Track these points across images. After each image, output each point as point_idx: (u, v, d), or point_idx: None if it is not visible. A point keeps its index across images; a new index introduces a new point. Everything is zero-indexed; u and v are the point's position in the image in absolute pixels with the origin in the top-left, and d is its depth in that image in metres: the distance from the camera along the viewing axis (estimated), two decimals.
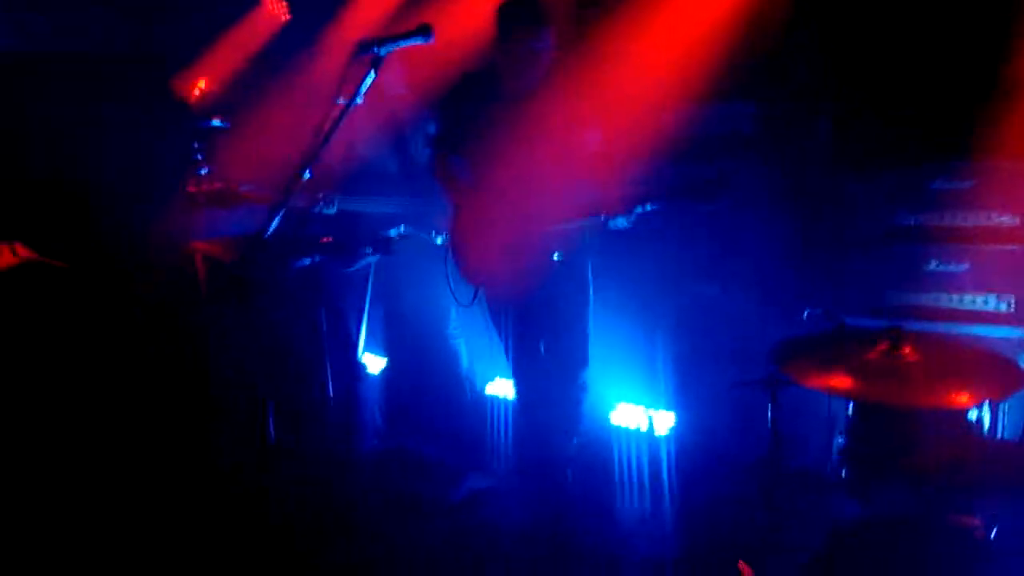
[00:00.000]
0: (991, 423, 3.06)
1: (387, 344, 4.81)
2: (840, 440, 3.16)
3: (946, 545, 2.53)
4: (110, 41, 4.76)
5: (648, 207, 3.48)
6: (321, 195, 3.93)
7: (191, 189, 3.71)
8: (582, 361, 3.82)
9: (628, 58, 3.76)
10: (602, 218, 3.52)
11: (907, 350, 2.85)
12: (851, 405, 3.10)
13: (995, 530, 2.53)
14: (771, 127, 4.06)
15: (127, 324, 3.85)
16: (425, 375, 4.60)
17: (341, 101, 2.74)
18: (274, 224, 2.69)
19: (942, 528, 2.59)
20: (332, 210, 3.96)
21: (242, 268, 2.69)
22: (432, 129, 3.87)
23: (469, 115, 3.66)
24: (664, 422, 4.13)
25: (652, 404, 4.18)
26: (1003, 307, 3.64)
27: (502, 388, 4.53)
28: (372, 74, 2.73)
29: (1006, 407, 3.26)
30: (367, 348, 4.79)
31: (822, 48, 3.87)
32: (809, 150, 3.96)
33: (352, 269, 4.06)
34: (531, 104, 3.52)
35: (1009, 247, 3.60)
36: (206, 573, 3.21)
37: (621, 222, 3.52)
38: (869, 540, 2.74)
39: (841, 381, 2.81)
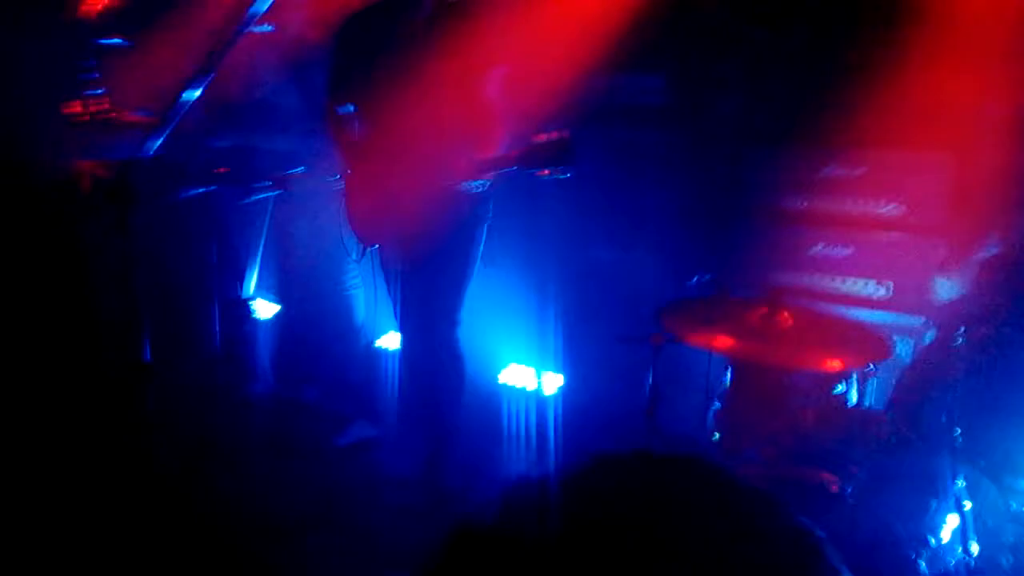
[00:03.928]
0: (859, 398, 3.22)
1: (281, 290, 4.71)
2: (717, 405, 3.27)
3: (802, 499, 2.64)
4: None
5: (499, 172, 3.34)
6: (215, 125, 3.79)
7: (75, 110, 3.51)
8: (453, 317, 3.63)
9: (539, 12, 3.71)
10: (460, 184, 3.36)
11: (784, 315, 2.96)
12: (728, 372, 3.22)
13: (850, 487, 2.64)
14: (678, 99, 4.13)
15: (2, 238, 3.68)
16: (319, 324, 4.52)
17: (257, 29, 2.65)
18: (157, 143, 2.61)
19: (799, 484, 2.70)
20: (226, 143, 3.83)
21: (123, 183, 2.61)
22: (324, 76, 3.64)
23: (359, 59, 3.47)
24: (553, 382, 4.17)
25: (542, 365, 4.22)
26: (881, 292, 3.81)
27: (395, 340, 4.49)
28: None
29: (874, 384, 3.40)
30: (260, 294, 4.70)
31: (732, 26, 3.95)
32: (713, 125, 4.05)
33: (247, 201, 3.96)
34: (427, 47, 3.31)
35: (892, 235, 3.76)
36: (76, 493, 3.11)
37: (475, 186, 3.40)
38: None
39: (721, 340, 2.91)
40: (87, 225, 3.44)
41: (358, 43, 3.48)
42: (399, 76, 3.30)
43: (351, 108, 3.50)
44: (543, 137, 3.16)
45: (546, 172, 3.19)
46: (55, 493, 3.16)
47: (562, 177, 3.19)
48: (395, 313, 3.78)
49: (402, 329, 3.80)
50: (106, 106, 3.55)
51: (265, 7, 2.64)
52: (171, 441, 3.51)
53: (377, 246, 3.71)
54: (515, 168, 3.25)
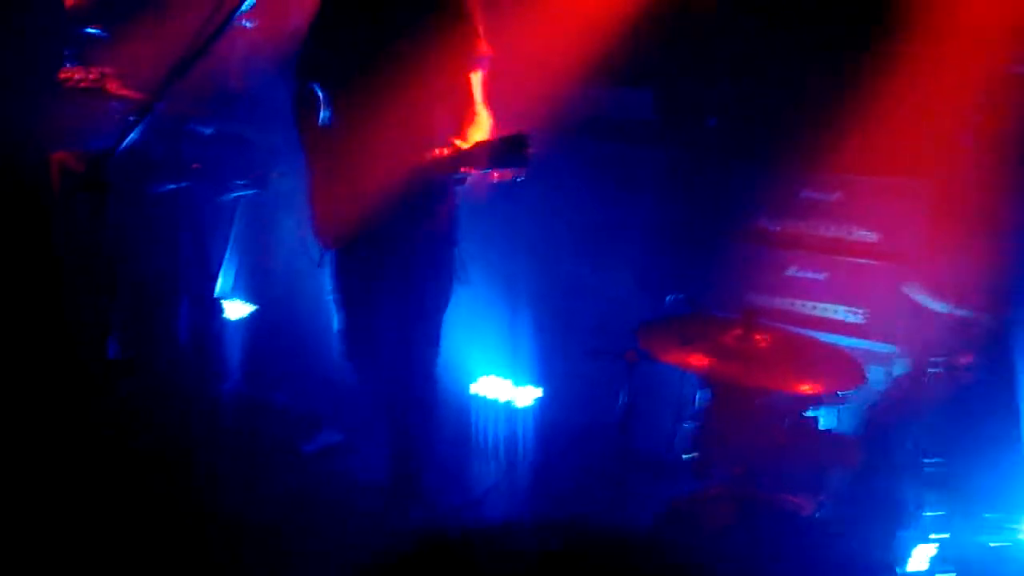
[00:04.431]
0: (831, 423, 3.23)
1: (258, 290, 4.64)
2: (688, 425, 3.27)
3: (772, 521, 2.64)
4: None
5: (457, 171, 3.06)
6: (198, 111, 3.70)
7: (61, 76, 3.43)
8: (432, 340, 3.46)
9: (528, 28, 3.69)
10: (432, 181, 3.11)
11: (759, 337, 2.97)
12: (702, 391, 3.22)
13: (820, 510, 2.65)
14: (661, 117, 4.15)
15: None
16: (294, 326, 4.47)
17: (246, 23, 2.62)
18: (133, 134, 2.57)
19: (769, 506, 2.70)
20: (209, 130, 3.74)
21: (96, 175, 2.56)
22: (299, 54, 3.35)
23: (335, 37, 3.21)
24: (525, 395, 4.16)
25: (514, 378, 4.20)
26: (853, 319, 3.82)
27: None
28: None
29: (846, 408, 3.41)
30: (235, 294, 4.63)
31: (715, 46, 3.98)
32: (694, 144, 4.07)
33: (221, 199, 3.89)
34: (411, 30, 3.09)
35: (866, 261, 3.78)
36: (40, 489, 3.04)
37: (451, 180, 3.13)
38: (700, 515, 2.83)
39: (695, 359, 2.91)
40: (60, 216, 3.37)
41: (336, 20, 3.25)
42: (379, 58, 3.09)
43: (321, 90, 3.24)
44: (496, 135, 2.92)
45: (495, 175, 2.93)
46: (20, 489, 3.08)
47: (516, 180, 2.92)
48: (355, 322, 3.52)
49: (366, 346, 3.53)
50: (92, 75, 3.44)
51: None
52: (137, 436, 3.46)
53: (335, 254, 3.39)
54: (466, 167, 2.99)
